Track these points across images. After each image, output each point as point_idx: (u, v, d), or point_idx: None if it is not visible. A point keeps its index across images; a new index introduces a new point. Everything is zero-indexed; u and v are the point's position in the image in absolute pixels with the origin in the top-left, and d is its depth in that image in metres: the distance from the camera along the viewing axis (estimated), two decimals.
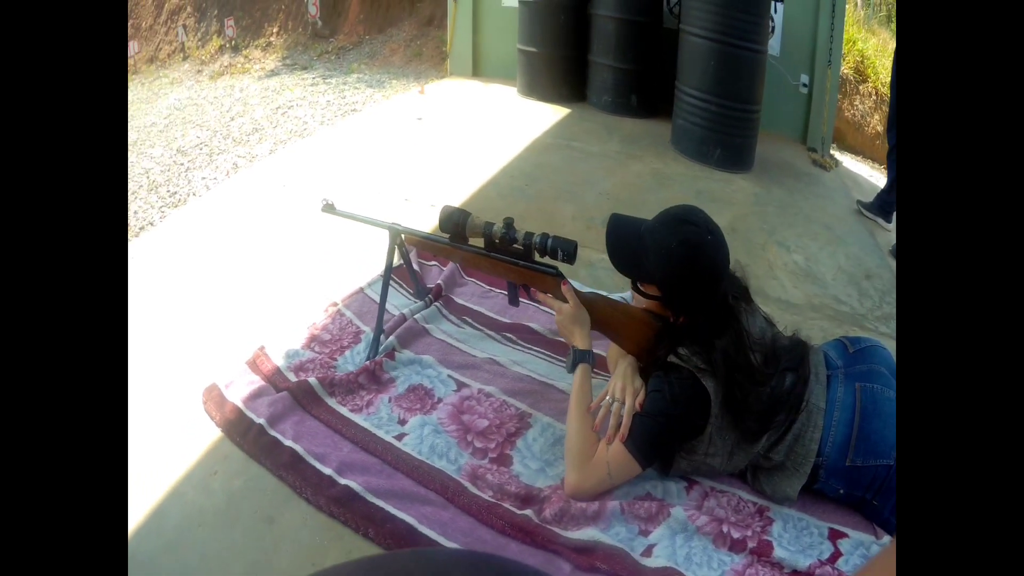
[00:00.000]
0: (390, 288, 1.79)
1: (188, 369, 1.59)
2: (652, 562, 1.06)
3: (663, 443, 1.14)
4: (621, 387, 1.16)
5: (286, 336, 1.64)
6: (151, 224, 2.59)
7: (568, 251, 1.21)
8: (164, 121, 3.99)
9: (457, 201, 2.41)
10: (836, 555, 1.12)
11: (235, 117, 4.01)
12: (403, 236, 1.43)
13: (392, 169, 2.71)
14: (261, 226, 2.28)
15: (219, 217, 2.46)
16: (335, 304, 1.73)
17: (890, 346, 1.72)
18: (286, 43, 5.18)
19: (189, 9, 5.18)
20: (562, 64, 3.29)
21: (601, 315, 1.23)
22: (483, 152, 2.82)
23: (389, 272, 1.48)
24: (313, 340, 1.62)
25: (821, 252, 2.23)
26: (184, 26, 5.34)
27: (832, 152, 3.11)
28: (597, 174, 2.61)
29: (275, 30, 5.19)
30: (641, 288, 1.19)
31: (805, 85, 2.94)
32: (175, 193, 2.88)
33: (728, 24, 2.45)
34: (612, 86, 3.14)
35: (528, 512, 1.10)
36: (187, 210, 2.69)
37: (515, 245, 1.27)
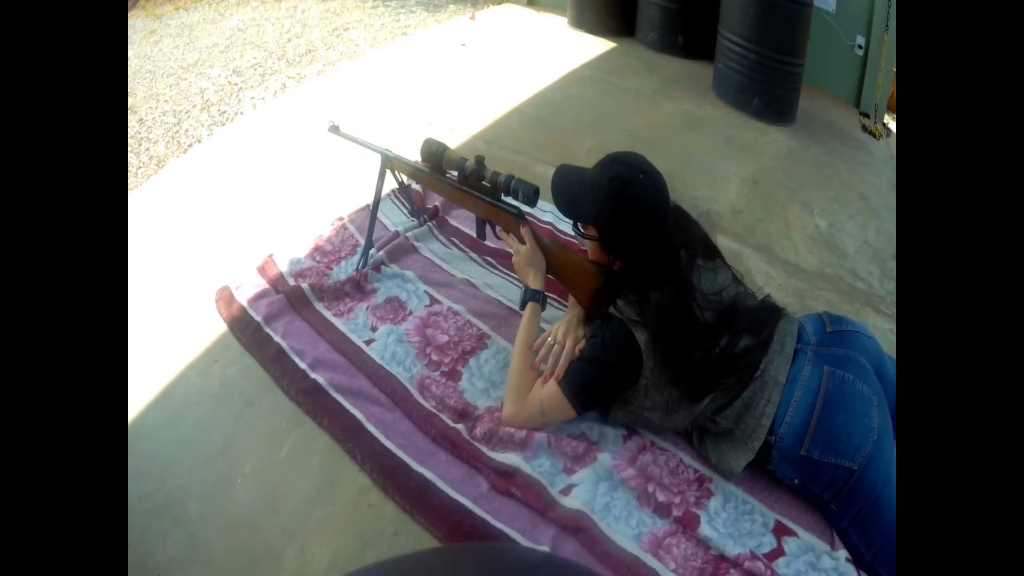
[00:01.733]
0: (392, 206, 1.89)
1: (210, 271, 1.77)
2: (568, 501, 1.07)
3: (596, 388, 1.13)
4: (564, 331, 1.19)
5: (294, 245, 1.78)
6: (198, 141, 2.79)
7: (528, 193, 1.22)
8: (226, 42, 4.17)
9: (478, 128, 2.42)
10: (777, 552, 1.03)
11: (292, 39, 4.12)
12: (393, 161, 1.49)
13: (425, 93, 2.73)
14: (295, 144, 2.41)
15: (259, 136, 2.61)
16: (341, 219, 1.85)
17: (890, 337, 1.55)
18: None
19: None
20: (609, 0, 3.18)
21: (555, 262, 1.25)
22: (517, 81, 2.77)
23: (379, 193, 1.55)
24: (316, 250, 1.75)
25: (849, 221, 2.03)
26: None
27: (887, 121, 2.84)
28: (626, 110, 2.52)
29: None
30: (581, 229, 1.20)
31: (860, 47, 2.68)
32: (224, 112, 3.06)
33: None
34: (659, 23, 2.99)
35: (460, 427, 1.17)
36: (232, 128, 2.87)
37: (484, 182, 1.30)
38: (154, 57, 4.20)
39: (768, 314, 1.19)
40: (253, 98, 3.21)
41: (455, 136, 2.37)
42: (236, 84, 3.41)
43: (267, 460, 1.23)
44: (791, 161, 2.28)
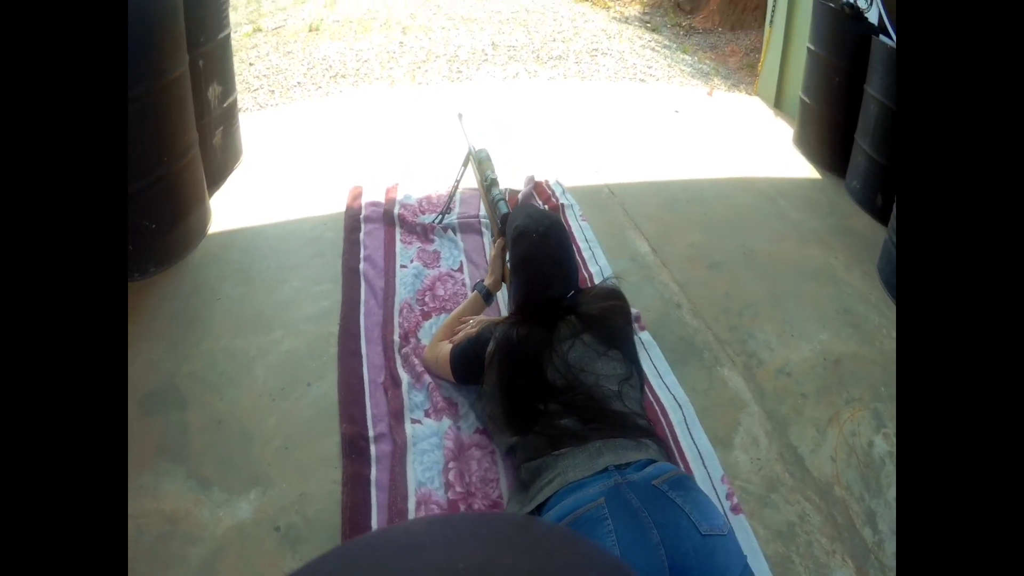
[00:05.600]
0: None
1: (363, 172, 2.72)
2: (408, 427, 1.52)
3: (462, 363, 1.51)
4: (479, 321, 1.66)
5: (418, 187, 2.64)
6: (427, 84, 3.78)
7: (500, 216, 1.71)
8: (509, 13, 5.25)
9: (618, 179, 2.83)
10: None
11: (556, 39, 5.06)
12: (471, 156, 2.10)
13: (608, 134, 3.27)
14: (481, 122, 3.26)
15: (464, 101, 3.54)
16: (456, 185, 2.67)
17: None
18: (652, 0, 6.06)
19: None
20: (831, 129, 3.12)
21: (505, 275, 1.67)
22: (694, 160, 3.01)
23: (460, 176, 2.25)
24: (426, 199, 2.58)
25: None
26: None
27: None
28: (766, 232, 2.51)
29: None
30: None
31: None
32: (461, 72, 4.05)
33: None
34: (863, 174, 2.87)
35: (398, 340, 1.83)
36: (454, 87, 3.85)
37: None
38: None
39: (618, 428, 1.24)
40: (488, 73, 4.19)
41: (595, 176, 2.84)
42: (486, 55, 4.42)
43: (306, 284, 2.06)
44: None
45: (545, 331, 1.35)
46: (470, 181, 2.35)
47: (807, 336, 2.01)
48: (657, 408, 1.69)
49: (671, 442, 1.59)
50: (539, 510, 1.16)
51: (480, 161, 2.01)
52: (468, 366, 1.51)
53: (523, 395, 1.31)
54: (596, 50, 5.15)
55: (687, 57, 5.45)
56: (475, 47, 4.52)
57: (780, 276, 2.27)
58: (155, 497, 1.40)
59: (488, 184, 1.92)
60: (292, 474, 1.47)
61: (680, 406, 1.68)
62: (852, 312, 2.15)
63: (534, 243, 1.43)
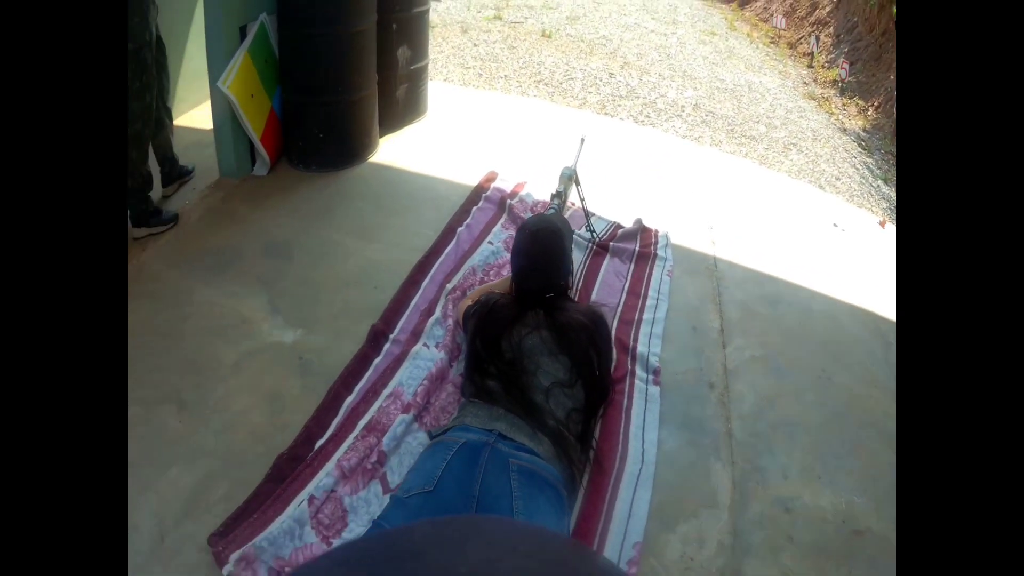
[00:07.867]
0: (600, 220, 3.07)
1: (506, 163, 3.35)
2: (417, 347, 2.01)
3: (467, 318, 1.85)
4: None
5: (541, 191, 3.16)
6: (615, 117, 4.30)
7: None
8: (721, 84, 5.59)
9: (727, 256, 3.20)
10: None
11: (759, 121, 5.33)
12: (566, 175, 2.53)
13: (743, 216, 3.28)
14: (633, 166, 3.76)
15: (628, 144, 4.04)
16: (573, 204, 3.17)
17: None
18: (878, 122, 6.06)
19: (832, 29, 6.38)
20: None
21: None
22: (820, 273, 2.87)
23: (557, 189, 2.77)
24: (542, 202, 3.10)
25: None
26: (817, 37, 6.64)
27: None
28: (857, 371, 2.31)
29: (878, 103, 6.08)
30: None
31: None
32: (648, 117, 4.53)
33: None
34: None
35: (450, 287, 2.34)
36: (635, 129, 4.35)
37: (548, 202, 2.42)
38: (686, 51, 5.87)
39: (524, 411, 1.48)
40: (673, 128, 4.63)
41: (710, 246, 2.93)
42: (682, 111, 4.85)
43: (415, 224, 2.70)
44: None
45: (517, 311, 1.69)
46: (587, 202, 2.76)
47: (838, 488, 1.78)
48: (619, 450, 1.76)
49: (609, 488, 1.66)
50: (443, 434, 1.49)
51: (563, 176, 2.53)
52: (468, 320, 1.91)
53: (478, 351, 1.66)
54: (793, 145, 5.35)
55: (885, 188, 5.46)
56: (677, 101, 4.97)
57: (845, 416, 2.05)
58: (243, 303, 2.12)
59: (554, 194, 2.44)
60: (329, 332, 2.09)
61: (643, 463, 1.72)
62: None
63: (523, 237, 1.82)
